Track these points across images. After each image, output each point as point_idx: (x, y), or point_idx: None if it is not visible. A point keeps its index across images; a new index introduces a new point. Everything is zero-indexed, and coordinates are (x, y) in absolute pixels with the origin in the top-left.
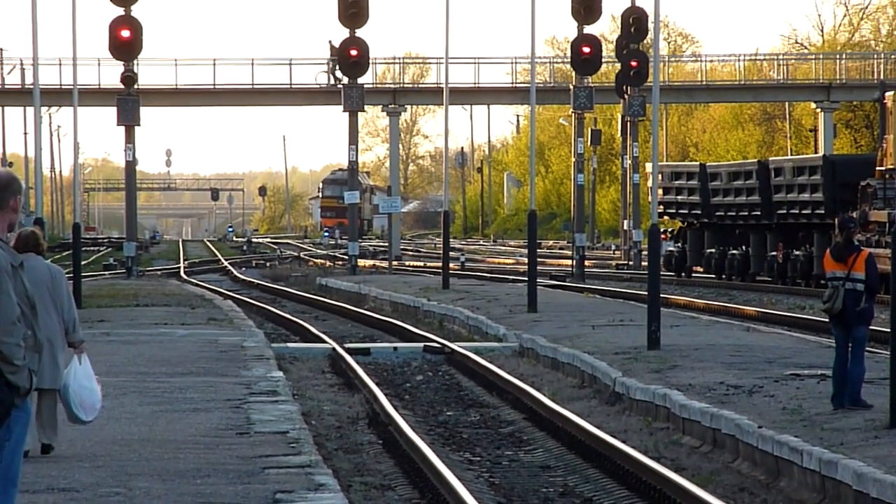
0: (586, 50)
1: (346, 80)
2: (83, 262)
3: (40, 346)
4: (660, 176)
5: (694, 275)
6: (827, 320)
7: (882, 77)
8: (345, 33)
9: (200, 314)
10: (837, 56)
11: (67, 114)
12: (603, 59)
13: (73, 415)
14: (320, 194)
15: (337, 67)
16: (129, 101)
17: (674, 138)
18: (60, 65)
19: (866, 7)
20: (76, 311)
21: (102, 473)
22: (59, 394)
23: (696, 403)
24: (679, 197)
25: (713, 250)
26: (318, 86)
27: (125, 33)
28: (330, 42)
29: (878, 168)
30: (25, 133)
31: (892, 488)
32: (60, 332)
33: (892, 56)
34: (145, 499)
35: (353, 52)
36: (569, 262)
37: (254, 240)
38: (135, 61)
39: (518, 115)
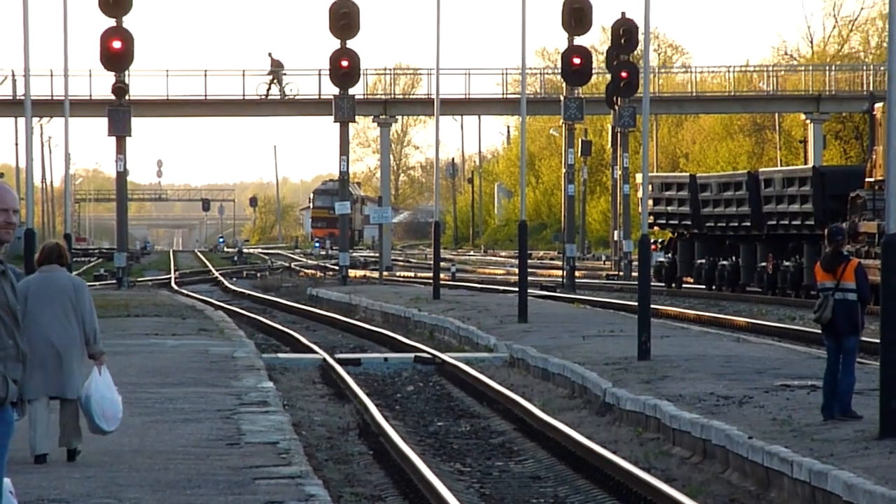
0: (577, 61)
1: (281, 92)
2: (74, 273)
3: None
4: (650, 186)
5: (684, 285)
6: (816, 331)
7: (871, 88)
8: (336, 44)
9: (191, 324)
10: (827, 67)
11: (59, 124)
12: (593, 71)
13: (96, 425)
14: (311, 205)
15: (274, 81)
16: (120, 112)
17: (664, 149)
18: (52, 76)
19: (855, 19)
20: (97, 322)
21: (93, 484)
22: (80, 404)
23: (687, 414)
24: (669, 208)
25: (703, 261)
26: (312, 97)
27: (117, 44)
28: (269, 55)
29: (867, 179)
30: (17, 144)
31: (882, 499)
32: (81, 342)
33: (882, 67)
34: None
35: (345, 63)
36: (559, 272)
37: (245, 250)
38: (126, 72)
39: (508, 126)
